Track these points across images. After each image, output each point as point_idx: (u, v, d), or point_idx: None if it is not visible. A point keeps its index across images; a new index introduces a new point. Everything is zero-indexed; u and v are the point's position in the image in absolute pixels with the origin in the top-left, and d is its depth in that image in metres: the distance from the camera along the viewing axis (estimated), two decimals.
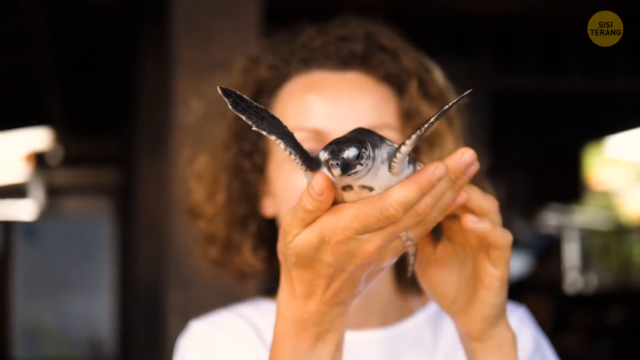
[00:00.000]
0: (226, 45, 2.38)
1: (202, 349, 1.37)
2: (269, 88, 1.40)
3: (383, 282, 1.40)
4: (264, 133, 0.89)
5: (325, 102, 1.31)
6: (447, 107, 0.87)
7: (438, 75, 1.42)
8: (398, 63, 1.37)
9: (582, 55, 6.04)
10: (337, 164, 0.83)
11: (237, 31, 2.39)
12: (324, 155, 0.86)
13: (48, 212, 12.52)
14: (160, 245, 3.80)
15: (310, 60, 1.38)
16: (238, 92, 0.91)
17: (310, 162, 0.90)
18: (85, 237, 9.79)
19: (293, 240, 0.93)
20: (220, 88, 0.90)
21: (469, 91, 0.90)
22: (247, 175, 1.43)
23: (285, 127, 0.90)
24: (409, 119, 1.35)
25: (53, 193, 12.63)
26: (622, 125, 8.85)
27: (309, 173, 0.90)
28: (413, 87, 1.36)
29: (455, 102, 0.87)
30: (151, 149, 4.88)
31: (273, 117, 0.91)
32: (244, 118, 0.89)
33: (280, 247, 0.97)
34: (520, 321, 1.40)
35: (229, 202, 1.44)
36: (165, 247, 2.61)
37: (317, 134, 1.27)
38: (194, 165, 1.51)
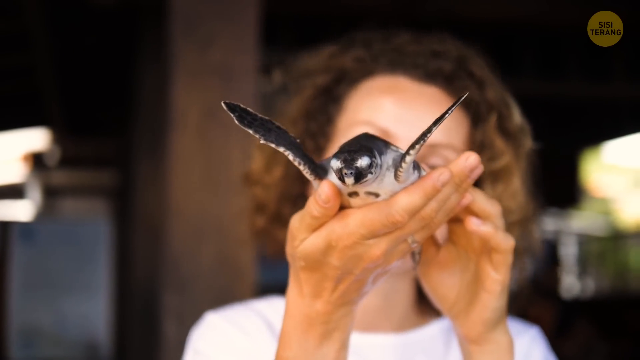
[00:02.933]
0: (225, 49, 2.38)
1: (215, 340, 1.39)
2: (350, 78, 1.42)
3: (406, 291, 1.42)
4: (272, 145, 0.90)
5: (399, 107, 1.32)
6: (445, 113, 0.88)
7: (516, 114, 1.42)
8: (481, 93, 1.38)
9: (582, 60, 6.04)
10: (352, 172, 0.84)
11: (236, 35, 2.39)
12: (336, 164, 0.85)
13: (45, 213, 12.50)
14: (157, 248, 3.80)
15: (398, 64, 1.39)
16: (242, 106, 0.91)
17: (318, 171, 0.91)
18: (83, 238, 9.77)
19: (301, 245, 0.95)
20: (225, 103, 0.91)
21: (464, 95, 0.92)
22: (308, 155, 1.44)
23: (292, 137, 0.92)
24: (482, 150, 1.35)
25: (50, 194, 12.61)
26: (621, 130, 8.85)
27: (316, 181, 0.92)
28: (492, 120, 1.36)
29: (452, 107, 0.88)
30: (150, 151, 4.88)
31: (279, 128, 0.92)
32: (250, 132, 0.90)
33: (288, 249, 0.99)
34: (532, 340, 1.42)
35: (285, 178, 1.46)
36: (161, 249, 2.60)
37: (385, 133, 1.28)
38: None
